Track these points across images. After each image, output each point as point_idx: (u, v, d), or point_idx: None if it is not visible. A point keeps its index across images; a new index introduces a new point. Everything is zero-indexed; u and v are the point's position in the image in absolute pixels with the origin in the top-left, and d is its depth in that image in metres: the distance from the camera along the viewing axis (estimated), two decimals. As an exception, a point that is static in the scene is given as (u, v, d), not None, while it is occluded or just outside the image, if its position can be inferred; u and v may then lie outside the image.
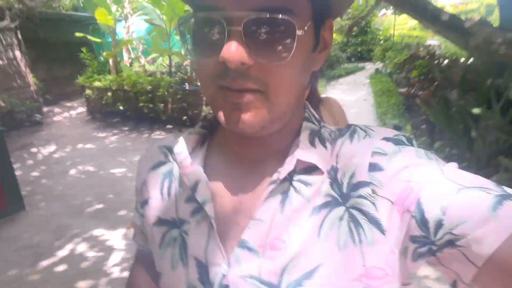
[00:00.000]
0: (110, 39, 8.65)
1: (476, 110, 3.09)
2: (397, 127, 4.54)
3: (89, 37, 8.28)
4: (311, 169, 0.45)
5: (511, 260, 0.32)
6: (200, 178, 0.47)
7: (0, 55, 7.16)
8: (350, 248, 0.41)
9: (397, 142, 0.44)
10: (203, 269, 0.46)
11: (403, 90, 5.49)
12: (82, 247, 2.95)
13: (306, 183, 0.45)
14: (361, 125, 0.49)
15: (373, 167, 0.42)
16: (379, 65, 9.91)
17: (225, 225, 0.46)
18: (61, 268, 2.70)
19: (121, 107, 6.99)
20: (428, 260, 0.39)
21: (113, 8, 8.35)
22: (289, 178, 0.45)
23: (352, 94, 7.66)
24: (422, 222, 0.37)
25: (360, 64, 12.00)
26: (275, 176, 0.44)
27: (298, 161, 0.44)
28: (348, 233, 0.41)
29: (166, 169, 0.54)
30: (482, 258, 0.33)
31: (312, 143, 0.46)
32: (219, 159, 0.51)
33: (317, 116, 0.51)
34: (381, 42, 12.89)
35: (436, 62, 4.56)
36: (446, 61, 4.56)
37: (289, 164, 0.44)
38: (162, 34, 7.09)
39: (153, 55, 8.36)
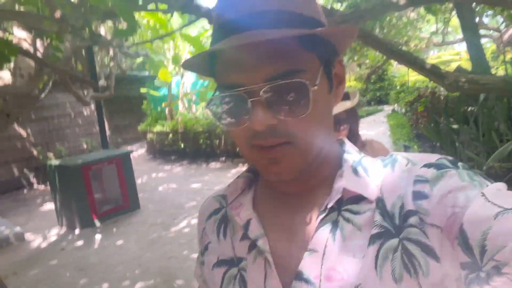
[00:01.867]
0: (164, 92, 10.80)
1: (455, 126, 4.69)
2: (406, 147, 6.12)
3: (150, 91, 10.43)
4: (358, 198, 0.47)
5: None
6: (251, 216, 0.53)
7: (86, 108, 9.32)
8: (406, 280, 0.42)
9: (439, 167, 0.45)
10: None
11: (411, 122, 7.13)
12: (195, 220, 4.58)
13: (354, 212, 0.47)
14: (403, 153, 0.51)
15: (417, 195, 0.43)
16: (394, 106, 11.62)
17: (281, 258, 0.49)
18: (186, 230, 4.34)
19: (182, 145, 8.85)
20: None
21: (170, 67, 10.55)
22: (337, 207, 0.48)
23: (372, 129, 9.32)
24: (467, 248, 0.38)
25: (380, 107, 13.78)
26: (323, 207, 0.48)
27: (345, 190, 0.48)
28: (402, 266, 0.42)
29: (221, 215, 0.60)
30: None
31: (355, 173, 0.49)
32: (267, 197, 0.56)
33: (356, 148, 0.55)
34: (397, 87, 14.70)
35: (432, 98, 6.24)
36: (442, 97, 6.23)
37: (336, 193, 0.48)
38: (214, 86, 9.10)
39: (201, 104, 10.40)
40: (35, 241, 4.65)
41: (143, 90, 10.38)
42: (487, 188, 0.40)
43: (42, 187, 8.00)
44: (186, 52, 10.09)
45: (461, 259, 0.39)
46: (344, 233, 0.46)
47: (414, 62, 5.14)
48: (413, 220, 0.43)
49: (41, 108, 8.24)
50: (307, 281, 0.46)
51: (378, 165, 0.50)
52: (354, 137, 1.42)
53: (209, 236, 0.60)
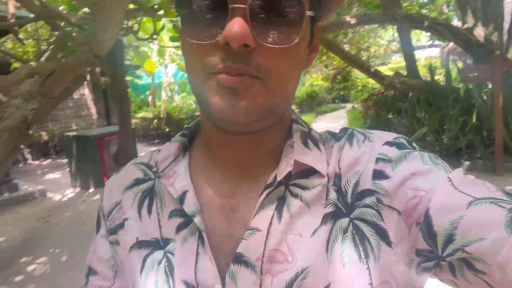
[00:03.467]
0: (146, 81, 11.94)
1: (390, 116, 6.34)
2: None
3: (135, 80, 11.55)
4: (308, 172, 0.44)
5: None
6: (187, 188, 0.46)
7: (76, 92, 10.32)
8: (355, 264, 0.40)
9: (400, 146, 0.44)
10: None
11: (363, 115, 8.83)
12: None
13: (303, 187, 0.44)
14: (357, 128, 0.49)
15: (378, 175, 0.42)
16: (354, 104, 13.43)
17: (217, 238, 0.44)
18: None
19: (166, 129, 10.06)
20: (455, 282, 0.37)
21: (154, 58, 11.70)
22: (284, 182, 0.44)
23: (334, 122, 11.00)
24: (430, 235, 0.37)
25: (342, 104, 15.58)
26: (271, 179, 0.44)
27: (296, 162, 0.44)
28: (353, 248, 0.40)
29: (146, 186, 0.51)
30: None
31: (305, 145, 0.46)
32: (204, 166, 0.49)
33: (303, 119, 0.51)
34: (359, 87, 16.57)
35: (381, 96, 7.93)
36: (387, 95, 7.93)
37: (287, 165, 0.44)
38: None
39: (182, 94, 11.66)
40: (56, 196, 5.81)
41: (127, 78, 11.48)
42: (452, 174, 0.40)
43: (36, 162, 8.97)
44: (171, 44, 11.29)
45: (419, 246, 0.38)
46: (291, 209, 0.42)
47: (362, 66, 6.80)
48: (369, 200, 0.41)
49: (38, 90, 9.17)
50: (247, 263, 0.41)
51: (330, 139, 0.48)
52: None
53: (127, 212, 0.51)
